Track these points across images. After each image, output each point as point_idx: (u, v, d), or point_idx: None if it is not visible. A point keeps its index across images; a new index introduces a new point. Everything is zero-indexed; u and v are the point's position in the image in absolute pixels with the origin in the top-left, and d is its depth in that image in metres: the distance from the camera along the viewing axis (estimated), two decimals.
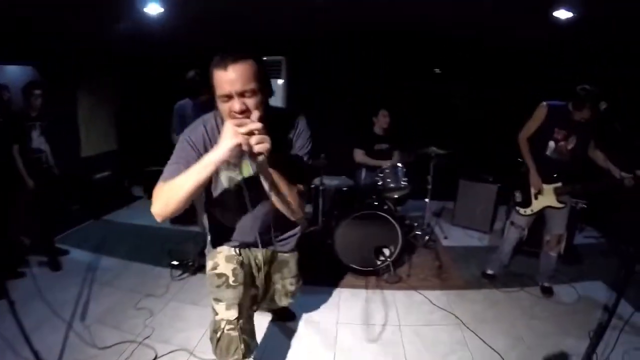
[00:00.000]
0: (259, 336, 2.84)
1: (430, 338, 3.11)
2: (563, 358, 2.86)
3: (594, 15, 4.16)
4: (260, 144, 1.39)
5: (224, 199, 1.89)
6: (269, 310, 3.18)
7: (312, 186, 4.77)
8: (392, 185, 4.35)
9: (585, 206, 4.49)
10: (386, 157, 4.89)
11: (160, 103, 4.79)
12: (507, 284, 3.95)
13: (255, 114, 1.48)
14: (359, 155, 4.92)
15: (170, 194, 1.48)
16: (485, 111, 6.56)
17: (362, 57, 6.48)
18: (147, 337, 2.99)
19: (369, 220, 3.99)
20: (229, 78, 1.45)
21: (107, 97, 7.14)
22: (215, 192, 1.89)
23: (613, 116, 2.92)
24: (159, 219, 1.55)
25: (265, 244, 2.05)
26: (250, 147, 1.39)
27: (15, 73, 5.06)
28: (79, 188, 5.90)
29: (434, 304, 3.58)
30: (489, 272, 4.08)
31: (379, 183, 4.39)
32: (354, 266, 4.05)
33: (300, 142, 1.84)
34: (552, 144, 3.42)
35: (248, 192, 1.80)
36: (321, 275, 3.97)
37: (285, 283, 2.40)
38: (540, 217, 3.70)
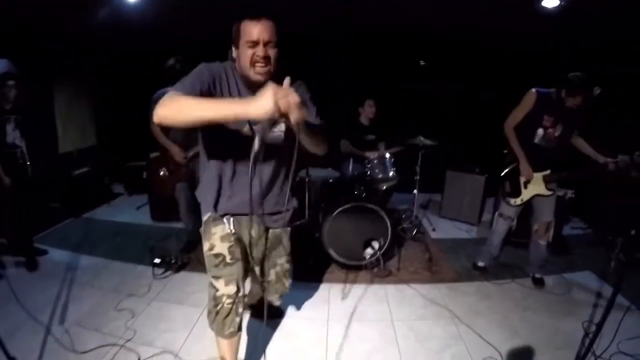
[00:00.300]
0: (248, 335, 2.77)
1: (424, 333, 3.05)
2: (558, 349, 2.82)
3: (580, 4, 4.13)
4: (298, 116, 1.43)
5: (228, 163, 1.96)
6: (252, 307, 3.07)
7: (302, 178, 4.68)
8: (380, 176, 4.26)
9: (573, 196, 4.48)
10: (373, 148, 4.84)
11: (140, 96, 4.64)
12: (498, 276, 3.93)
13: (274, 63, 1.77)
14: (345, 146, 4.85)
15: (186, 109, 1.52)
16: (472, 103, 6.54)
17: (350, 50, 6.41)
18: (129, 340, 2.86)
19: (357, 212, 3.90)
20: (260, 27, 1.70)
21: (85, 90, 6.93)
22: (221, 155, 1.96)
23: (608, 101, 2.90)
24: (156, 120, 1.57)
25: (259, 217, 2.13)
26: (285, 115, 1.42)
27: None
28: (57, 185, 5.71)
29: (426, 298, 3.53)
30: (480, 264, 4.06)
31: (367, 174, 4.30)
32: (343, 260, 3.97)
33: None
34: (540, 131, 3.38)
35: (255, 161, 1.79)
36: (310, 270, 3.91)
37: (283, 261, 2.38)
38: (527, 207, 3.69)
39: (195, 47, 4.75)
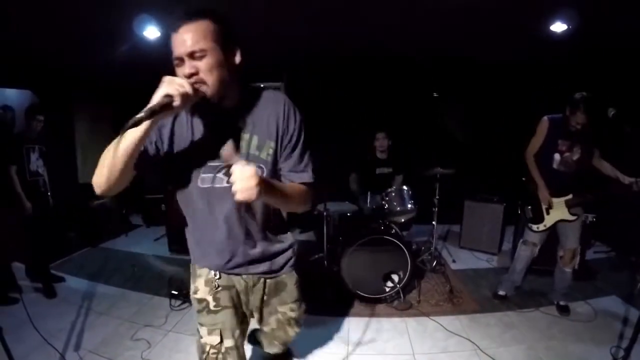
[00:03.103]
0: None
1: None
2: None
3: (589, 26, 4.17)
4: (198, 84, 1.36)
5: (194, 211, 1.70)
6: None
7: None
8: (398, 208, 4.22)
9: (594, 220, 4.38)
10: (388, 182, 4.85)
11: None
12: (521, 305, 3.82)
13: (209, 78, 1.38)
14: (352, 181, 4.98)
15: (105, 157, 1.36)
16: (487, 132, 6.53)
17: (361, 81, 6.50)
18: None
19: (376, 245, 3.84)
20: (180, 39, 1.35)
21: (105, 123, 7.13)
22: (186, 205, 1.72)
23: (622, 120, 2.87)
24: (97, 190, 1.41)
25: (241, 266, 1.79)
26: (183, 93, 1.27)
27: (14, 96, 5.11)
28: (76, 215, 5.84)
29: (448, 330, 3.42)
30: (501, 292, 3.96)
31: (385, 207, 4.26)
32: (362, 294, 3.89)
33: (293, 126, 1.66)
34: (557, 156, 3.41)
35: (218, 204, 1.63)
36: (328, 304, 3.83)
37: (286, 309, 2.01)
38: (552, 234, 3.62)
39: None
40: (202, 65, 1.37)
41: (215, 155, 1.53)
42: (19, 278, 4.04)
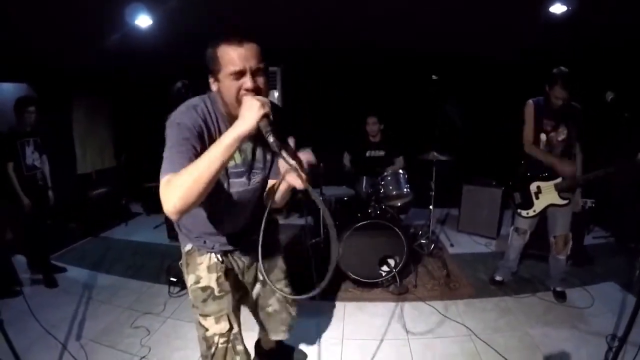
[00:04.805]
0: None
1: (440, 351, 2.97)
2: None
3: (587, 7, 4.09)
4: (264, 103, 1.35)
5: (211, 204, 1.73)
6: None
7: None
8: (394, 192, 4.20)
9: (593, 205, 4.35)
10: (380, 165, 4.84)
11: (157, 118, 4.72)
12: (518, 291, 3.82)
13: (265, 94, 1.48)
14: (345, 159, 5.02)
15: (191, 182, 1.28)
16: (484, 116, 6.49)
17: (355, 66, 6.45)
18: (143, 357, 2.88)
19: (372, 230, 3.85)
20: (244, 54, 1.42)
21: (103, 113, 7.13)
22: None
23: (622, 106, 2.83)
24: (176, 216, 1.31)
25: (247, 247, 1.91)
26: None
27: (10, 89, 5.12)
28: (76, 205, 5.86)
29: (443, 315, 3.45)
30: (498, 278, 3.97)
31: (381, 191, 4.25)
32: (358, 278, 3.91)
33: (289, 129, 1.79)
34: (543, 136, 3.39)
35: (230, 190, 1.74)
36: (324, 288, 3.83)
37: (282, 285, 2.14)
38: (545, 219, 3.59)
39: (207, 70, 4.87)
40: (262, 82, 1.47)
41: (242, 162, 1.71)
42: (20, 271, 4.09)
